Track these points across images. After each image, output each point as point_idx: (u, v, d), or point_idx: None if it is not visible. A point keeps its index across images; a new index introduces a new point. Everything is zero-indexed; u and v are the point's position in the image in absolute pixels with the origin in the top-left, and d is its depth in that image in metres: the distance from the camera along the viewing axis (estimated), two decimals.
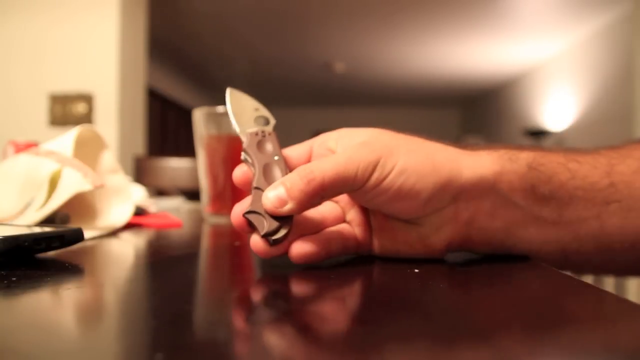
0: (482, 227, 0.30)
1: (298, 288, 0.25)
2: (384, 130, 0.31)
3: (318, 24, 3.70)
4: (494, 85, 5.40)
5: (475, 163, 0.29)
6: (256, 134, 0.31)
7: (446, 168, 0.28)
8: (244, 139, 0.31)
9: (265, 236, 0.26)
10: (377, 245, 0.30)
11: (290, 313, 0.20)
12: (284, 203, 0.26)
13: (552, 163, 0.31)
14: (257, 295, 0.24)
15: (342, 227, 0.30)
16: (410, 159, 0.28)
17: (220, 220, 0.57)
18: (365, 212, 0.31)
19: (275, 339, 0.17)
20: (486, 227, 0.30)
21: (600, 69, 3.58)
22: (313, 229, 0.29)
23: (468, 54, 4.30)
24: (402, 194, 0.27)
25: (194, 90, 5.68)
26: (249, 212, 0.27)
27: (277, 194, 0.26)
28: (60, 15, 2.13)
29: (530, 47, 4.05)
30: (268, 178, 0.28)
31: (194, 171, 1.32)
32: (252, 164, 0.29)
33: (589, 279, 1.24)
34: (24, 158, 0.44)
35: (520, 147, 0.31)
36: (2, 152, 0.78)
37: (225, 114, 0.57)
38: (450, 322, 0.19)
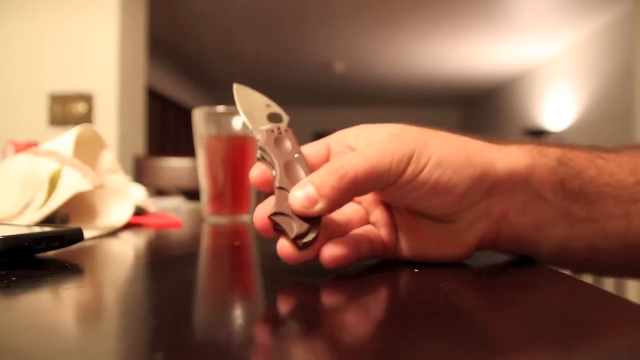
0: (512, 224, 0.29)
1: (297, 288, 0.25)
2: (407, 125, 0.29)
3: (317, 24, 3.70)
4: (494, 85, 5.40)
5: (507, 156, 0.28)
6: (272, 131, 0.28)
7: (480, 160, 0.27)
8: (259, 137, 0.28)
9: (296, 239, 0.24)
10: (404, 246, 0.29)
11: (290, 312, 0.20)
12: (315, 203, 0.24)
13: (580, 159, 0.30)
14: (256, 295, 0.24)
15: (368, 228, 0.29)
16: (445, 151, 0.26)
17: (220, 220, 0.57)
18: (390, 212, 0.29)
19: (275, 339, 0.17)
20: (516, 223, 0.29)
21: (600, 69, 3.58)
22: (339, 232, 0.27)
23: (468, 54, 4.29)
24: (439, 189, 0.26)
25: (194, 90, 5.67)
26: (276, 213, 0.24)
27: (306, 193, 0.24)
28: (60, 15, 2.13)
29: (530, 47, 4.05)
30: (291, 177, 0.26)
31: (194, 171, 1.32)
32: (271, 163, 0.27)
33: (588, 279, 1.23)
34: (24, 158, 0.44)
35: (547, 143, 0.31)
36: (2, 152, 0.78)
37: (225, 114, 0.57)
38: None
